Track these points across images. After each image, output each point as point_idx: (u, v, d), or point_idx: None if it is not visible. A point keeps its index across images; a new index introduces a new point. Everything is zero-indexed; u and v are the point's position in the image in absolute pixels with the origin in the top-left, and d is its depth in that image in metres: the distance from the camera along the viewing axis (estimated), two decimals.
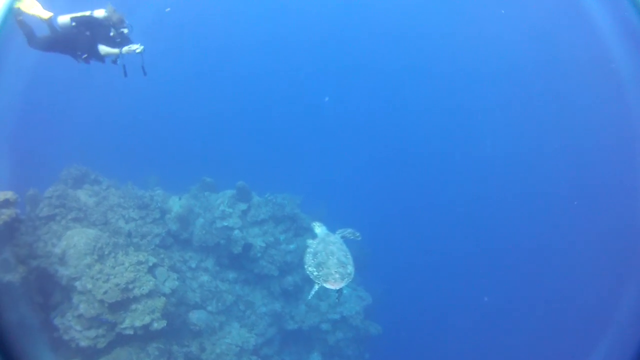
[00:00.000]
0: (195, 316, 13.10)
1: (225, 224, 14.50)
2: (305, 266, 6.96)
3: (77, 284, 10.91)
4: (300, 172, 26.17)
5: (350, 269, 6.93)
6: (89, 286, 10.79)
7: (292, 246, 14.92)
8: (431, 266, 24.21)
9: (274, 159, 27.43)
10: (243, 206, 15.12)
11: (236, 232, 14.43)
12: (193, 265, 14.26)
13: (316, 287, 6.86)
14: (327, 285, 6.66)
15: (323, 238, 7.35)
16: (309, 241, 7.47)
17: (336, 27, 38.68)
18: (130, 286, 11.06)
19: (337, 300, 7.01)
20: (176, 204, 14.73)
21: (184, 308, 12.96)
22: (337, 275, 6.67)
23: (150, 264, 11.90)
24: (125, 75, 8.60)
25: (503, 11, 34.10)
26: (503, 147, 32.37)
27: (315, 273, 6.79)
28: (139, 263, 11.68)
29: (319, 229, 7.75)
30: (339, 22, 38.65)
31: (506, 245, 26.75)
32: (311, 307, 14.97)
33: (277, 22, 38.13)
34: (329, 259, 6.84)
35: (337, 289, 6.73)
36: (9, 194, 9.87)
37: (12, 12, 8.07)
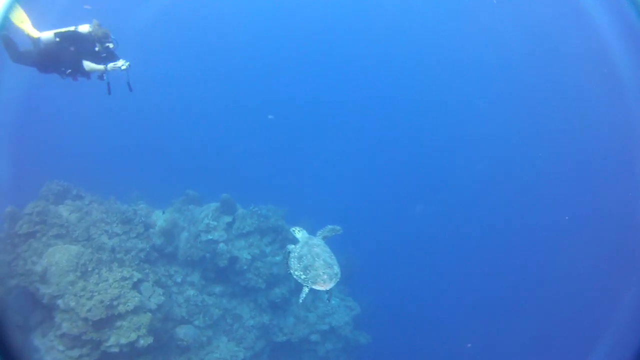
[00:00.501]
0: (182, 331, 12.86)
1: (210, 237, 14.30)
2: (292, 271, 6.93)
3: (60, 302, 10.66)
4: (285, 183, 26.06)
5: (337, 269, 6.99)
6: (72, 304, 10.53)
7: (278, 258, 14.74)
8: (420, 274, 24.14)
9: (258, 170, 27.29)
10: (228, 219, 14.94)
11: (221, 245, 14.24)
12: (179, 280, 14.03)
13: (306, 290, 6.88)
14: (317, 287, 6.70)
15: (305, 242, 7.35)
16: (291, 247, 7.43)
17: (324, 34, 38.79)
18: (115, 303, 10.81)
19: (327, 300, 6.99)
20: (160, 218, 14.51)
21: (171, 323, 12.71)
22: (325, 276, 6.72)
23: (135, 279, 11.66)
24: (109, 92, 8.50)
25: (495, 1, 34.40)
26: (500, 148, 32.65)
27: (303, 276, 6.79)
28: (124, 279, 11.44)
29: (299, 233, 7.72)
30: (328, 31, 38.78)
31: (503, 246, 26.96)
32: (300, 318, 14.82)
33: (260, 35, 38.16)
34: (315, 261, 6.87)
35: (327, 289, 6.69)
36: None
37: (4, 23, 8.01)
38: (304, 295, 6.99)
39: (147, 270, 12.68)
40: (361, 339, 15.82)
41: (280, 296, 14.49)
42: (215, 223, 14.64)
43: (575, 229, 26.96)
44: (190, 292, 13.93)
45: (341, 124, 35.36)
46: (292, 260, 7.08)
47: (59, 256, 11.27)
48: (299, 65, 38.09)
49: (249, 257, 14.35)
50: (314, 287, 6.72)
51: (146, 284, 12.13)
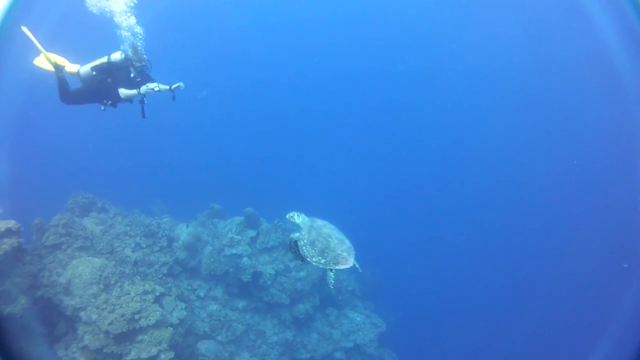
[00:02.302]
0: (204, 346, 12.70)
1: (234, 251, 14.24)
2: (308, 259, 6.63)
3: (82, 314, 10.65)
4: (310, 196, 25.98)
5: (348, 241, 6.72)
6: (94, 317, 10.51)
7: (302, 273, 14.55)
8: (445, 290, 23.81)
9: (282, 184, 27.29)
10: (252, 233, 14.86)
11: (245, 259, 14.15)
12: (201, 294, 13.95)
13: (331, 274, 6.63)
14: (340, 267, 6.45)
15: (311, 225, 7.02)
16: (295, 234, 7.08)
17: (324, 38, 38.95)
18: (137, 316, 10.75)
19: (359, 270, 6.68)
20: (183, 232, 14.51)
21: (193, 338, 12.58)
22: (344, 254, 6.46)
23: (157, 293, 11.61)
24: (144, 116, 8.49)
25: None
26: (502, 149, 32.39)
27: (323, 261, 6.52)
28: (146, 293, 11.39)
29: (299, 218, 7.35)
30: (328, 35, 38.92)
31: (511, 250, 27.04)
32: (324, 335, 14.55)
33: (267, 47, 38.52)
34: (329, 242, 6.59)
35: (351, 266, 6.48)
36: (11, 223, 9.67)
37: (56, 69, 8.20)
38: (332, 281, 6.76)
39: (169, 284, 12.63)
40: (386, 357, 15.43)
41: (304, 312, 14.27)
42: (239, 237, 14.57)
43: (576, 230, 27.05)
44: (213, 306, 13.83)
45: (358, 133, 35.43)
46: (305, 248, 6.75)
47: (83, 268, 11.29)
48: (307, 76, 38.40)
49: (273, 272, 14.19)
50: (337, 267, 6.50)
51: (168, 298, 12.06)
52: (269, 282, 14.07)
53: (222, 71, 36.83)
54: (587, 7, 23.98)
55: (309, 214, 6.99)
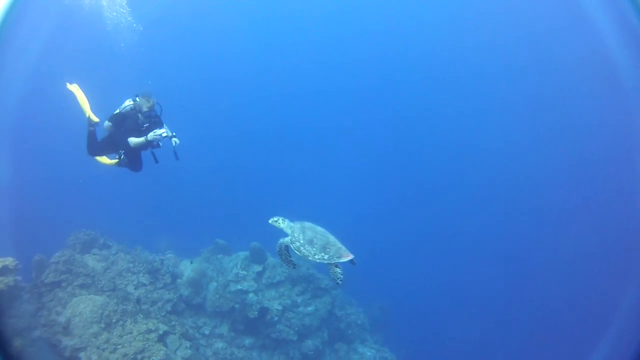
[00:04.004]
0: None
1: (240, 287, 13.91)
2: (310, 258, 6.41)
3: (82, 355, 10.27)
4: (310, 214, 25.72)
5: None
6: (95, 357, 10.12)
7: (310, 308, 14.16)
8: (455, 320, 23.26)
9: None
10: (258, 268, 14.57)
11: (251, 295, 13.79)
12: (207, 332, 13.53)
13: (338, 270, 6.44)
14: (343, 259, 6.34)
15: (301, 227, 6.81)
16: (286, 239, 6.81)
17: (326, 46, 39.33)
18: (139, 356, 10.35)
19: (354, 265, 6.43)
20: (188, 268, 14.21)
21: None
22: (344, 247, 6.36)
23: (161, 332, 11.24)
24: (156, 161, 8.37)
25: None
26: (506, 154, 32.38)
27: (327, 256, 6.33)
28: (149, 331, 11.02)
29: (283, 223, 7.09)
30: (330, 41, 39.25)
31: (512, 256, 27.12)
32: None
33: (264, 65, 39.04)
34: (327, 237, 6.50)
35: (352, 258, 6.29)
36: (8, 261, 9.40)
37: (89, 123, 8.23)
38: (340, 275, 6.49)
39: (173, 322, 12.24)
40: None
41: (313, 348, 13.82)
42: (244, 272, 14.26)
43: (577, 230, 26.90)
44: (219, 344, 13.40)
45: (356, 142, 35.46)
46: (303, 248, 6.52)
47: (83, 307, 10.95)
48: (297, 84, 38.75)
49: (280, 307, 13.81)
50: (341, 260, 6.28)
51: (172, 336, 11.66)
52: (276, 318, 13.68)
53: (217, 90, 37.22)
54: (588, 8, 24.23)
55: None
